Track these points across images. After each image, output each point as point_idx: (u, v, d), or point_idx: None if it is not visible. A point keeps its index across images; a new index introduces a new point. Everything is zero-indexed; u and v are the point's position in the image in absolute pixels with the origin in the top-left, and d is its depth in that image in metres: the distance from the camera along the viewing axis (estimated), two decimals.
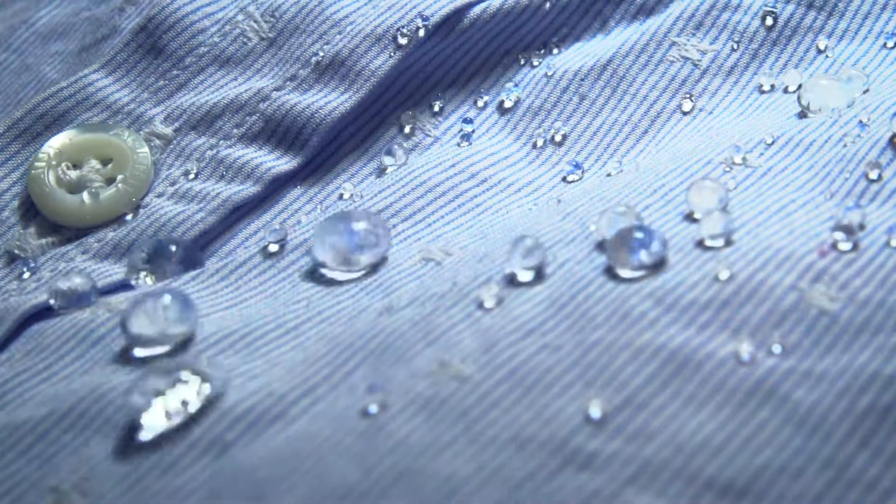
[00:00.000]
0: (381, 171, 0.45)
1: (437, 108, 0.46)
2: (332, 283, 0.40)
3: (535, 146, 0.45)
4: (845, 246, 0.36)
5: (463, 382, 0.34)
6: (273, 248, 0.42)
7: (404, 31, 0.45)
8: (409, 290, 0.38)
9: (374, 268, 0.40)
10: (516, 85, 0.46)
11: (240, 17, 0.47)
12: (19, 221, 0.44)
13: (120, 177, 0.44)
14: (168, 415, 0.35)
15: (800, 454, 0.32)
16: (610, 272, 0.37)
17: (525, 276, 0.37)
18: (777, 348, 0.34)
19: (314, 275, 0.40)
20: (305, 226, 0.43)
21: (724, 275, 0.36)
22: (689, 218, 0.38)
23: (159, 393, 0.35)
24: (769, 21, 0.47)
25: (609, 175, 0.43)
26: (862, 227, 0.37)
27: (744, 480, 0.32)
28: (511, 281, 0.37)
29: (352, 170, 0.45)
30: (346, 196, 0.44)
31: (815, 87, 0.43)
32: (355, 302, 0.39)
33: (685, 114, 0.45)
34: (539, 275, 0.37)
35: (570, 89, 0.46)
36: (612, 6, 0.48)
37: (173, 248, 0.41)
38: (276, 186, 0.44)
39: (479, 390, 0.34)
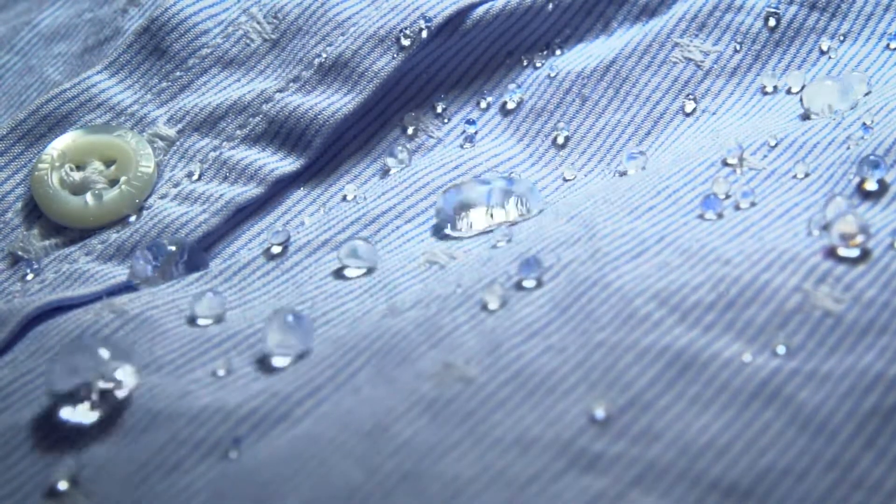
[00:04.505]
0: (384, 173, 0.45)
1: (440, 110, 0.46)
2: (335, 285, 0.40)
3: (537, 147, 0.45)
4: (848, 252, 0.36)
5: (467, 384, 0.34)
6: (276, 249, 0.42)
7: (407, 32, 0.45)
8: (413, 292, 0.38)
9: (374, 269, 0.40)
10: (519, 86, 0.46)
11: (243, 19, 0.47)
12: (23, 223, 0.44)
13: (123, 178, 0.44)
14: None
15: (804, 455, 0.32)
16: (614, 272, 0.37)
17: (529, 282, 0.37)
18: (781, 349, 0.34)
19: (318, 277, 0.40)
20: (308, 227, 0.43)
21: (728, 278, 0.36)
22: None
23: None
24: (772, 22, 0.47)
25: (610, 177, 0.43)
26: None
27: (748, 481, 0.32)
28: (515, 283, 0.37)
29: (355, 171, 0.45)
30: (349, 197, 0.44)
31: (818, 89, 0.43)
32: (359, 304, 0.39)
33: (688, 115, 0.45)
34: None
35: (572, 90, 0.46)
36: (614, 7, 0.48)
37: (177, 249, 0.41)
38: (280, 188, 0.44)
39: (484, 392, 0.34)
